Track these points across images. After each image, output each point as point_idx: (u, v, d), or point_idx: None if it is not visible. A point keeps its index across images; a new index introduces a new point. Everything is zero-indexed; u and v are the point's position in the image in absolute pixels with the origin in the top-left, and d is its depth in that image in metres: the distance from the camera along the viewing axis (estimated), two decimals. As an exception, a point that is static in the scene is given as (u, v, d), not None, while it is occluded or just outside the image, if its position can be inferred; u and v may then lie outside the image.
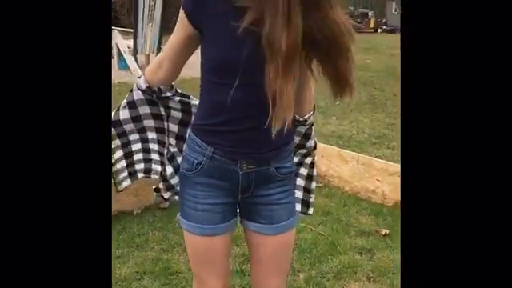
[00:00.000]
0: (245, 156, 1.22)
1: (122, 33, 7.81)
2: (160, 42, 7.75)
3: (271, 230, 1.29)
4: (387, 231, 2.67)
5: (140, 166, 1.50)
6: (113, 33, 7.81)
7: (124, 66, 7.61)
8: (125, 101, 1.36)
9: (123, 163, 1.48)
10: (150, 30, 7.34)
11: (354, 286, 2.16)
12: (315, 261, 2.33)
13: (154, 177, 1.51)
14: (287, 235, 1.32)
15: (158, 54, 7.78)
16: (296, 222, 1.34)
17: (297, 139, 1.37)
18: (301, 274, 2.22)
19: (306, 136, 1.38)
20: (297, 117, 1.30)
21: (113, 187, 1.40)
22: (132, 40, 7.43)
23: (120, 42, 7.54)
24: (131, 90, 1.35)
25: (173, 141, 1.40)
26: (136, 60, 7.54)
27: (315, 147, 1.41)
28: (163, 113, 1.37)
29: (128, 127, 1.40)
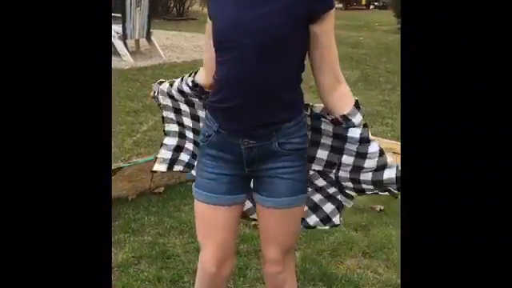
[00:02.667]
0: (244, 132, 1.27)
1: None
2: (149, 27, 7.67)
3: (269, 203, 1.32)
4: (382, 207, 2.68)
5: (184, 158, 1.60)
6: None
7: (113, 51, 7.51)
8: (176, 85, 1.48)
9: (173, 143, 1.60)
10: (138, 15, 7.25)
11: (350, 262, 2.18)
12: (311, 239, 2.35)
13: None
14: (287, 211, 1.32)
15: (147, 38, 7.73)
16: (301, 201, 1.34)
17: (352, 149, 1.31)
18: (297, 252, 2.23)
19: (363, 140, 1.28)
20: (333, 116, 1.31)
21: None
22: (120, 25, 7.35)
23: (109, 27, 7.42)
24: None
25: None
26: (126, 45, 7.46)
27: (382, 152, 1.30)
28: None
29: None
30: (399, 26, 12.30)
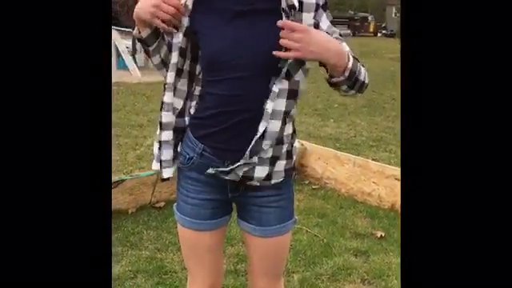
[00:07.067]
0: (232, 155, 1.21)
1: (121, 33, 7.80)
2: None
3: (259, 232, 1.29)
4: (383, 234, 2.66)
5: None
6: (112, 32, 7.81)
7: (122, 65, 7.60)
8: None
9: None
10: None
11: (348, 287, 2.15)
12: (310, 262, 2.32)
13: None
14: (276, 240, 1.29)
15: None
16: (289, 227, 1.30)
17: None
18: (295, 275, 2.21)
19: None
20: None
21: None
22: (131, 40, 7.45)
23: (118, 41, 7.53)
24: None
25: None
26: (135, 60, 7.55)
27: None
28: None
29: None
30: (406, 54, 12.30)
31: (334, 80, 1.16)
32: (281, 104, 1.17)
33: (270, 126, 1.17)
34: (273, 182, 1.24)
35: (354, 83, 1.17)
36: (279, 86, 1.15)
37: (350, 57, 1.14)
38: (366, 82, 1.21)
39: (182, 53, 1.21)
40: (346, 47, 1.18)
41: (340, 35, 1.21)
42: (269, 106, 1.16)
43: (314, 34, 1.09)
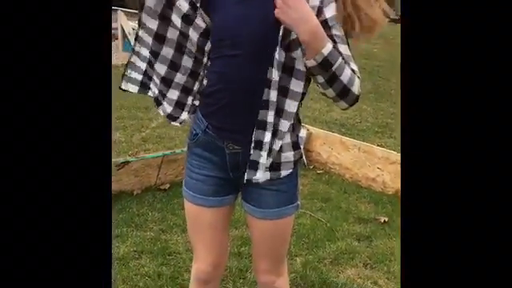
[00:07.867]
0: (230, 135, 1.23)
1: (127, 14, 7.74)
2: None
3: (258, 214, 1.30)
4: (386, 219, 2.67)
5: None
6: (118, 14, 7.74)
7: (128, 47, 7.55)
8: None
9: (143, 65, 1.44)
10: (155, 12, 7.26)
11: (351, 271, 2.17)
12: (313, 246, 2.34)
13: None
14: (275, 223, 1.29)
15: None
16: (289, 211, 1.30)
17: None
18: (298, 258, 2.23)
19: None
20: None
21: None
22: (137, 21, 7.38)
23: (125, 23, 7.48)
24: None
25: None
26: (140, 42, 7.48)
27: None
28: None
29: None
30: (414, 40, 12.18)
31: (307, 63, 1.12)
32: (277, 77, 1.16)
33: (270, 96, 1.16)
34: (282, 174, 1.24)
35: (331, 79, 1.12)
36: (281, 57, 1.15)
37: (329, 45, 1.09)
38: (354, 91, 1.15)
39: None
40: (346, 50, 1.15)
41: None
42: (274, 74, 1.15)
43: (301, 3, 1.08)
